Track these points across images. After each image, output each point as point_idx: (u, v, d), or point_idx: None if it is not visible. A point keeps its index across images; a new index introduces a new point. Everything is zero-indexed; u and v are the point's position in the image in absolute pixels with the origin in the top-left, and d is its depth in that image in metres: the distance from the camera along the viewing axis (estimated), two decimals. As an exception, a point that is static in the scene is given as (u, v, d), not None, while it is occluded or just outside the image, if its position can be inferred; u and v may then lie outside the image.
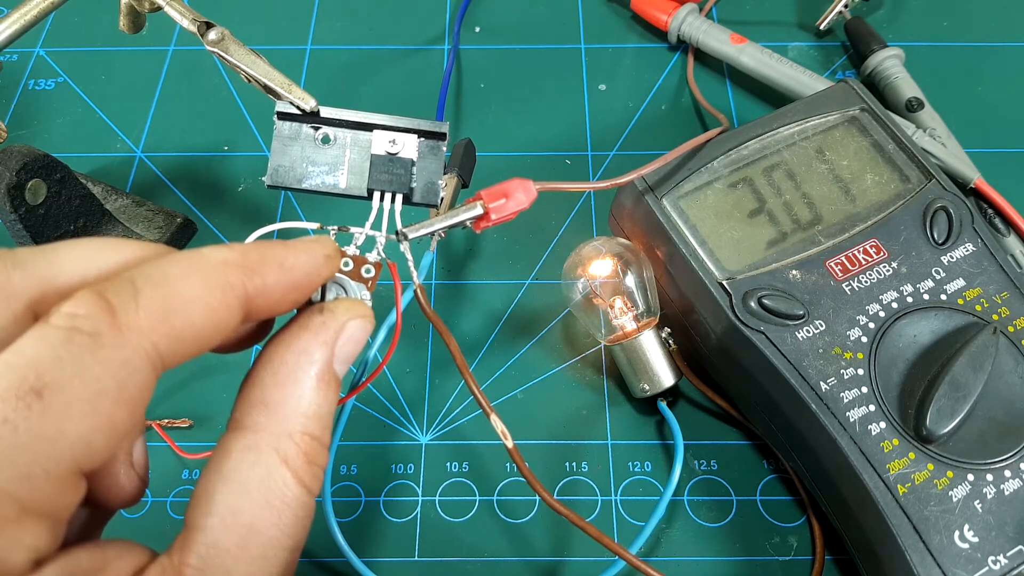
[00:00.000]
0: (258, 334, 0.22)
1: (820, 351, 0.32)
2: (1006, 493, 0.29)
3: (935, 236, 0.34)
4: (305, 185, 0.25)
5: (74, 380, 0.16)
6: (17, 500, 0.15)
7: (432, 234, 0.26)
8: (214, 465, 0.19)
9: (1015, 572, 0.29)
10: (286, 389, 0.20)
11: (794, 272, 0.33)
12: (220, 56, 0.27)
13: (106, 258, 0.19)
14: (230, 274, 0.19)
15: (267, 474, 0.19)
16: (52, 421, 0.15)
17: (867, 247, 0.33)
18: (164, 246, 0.20)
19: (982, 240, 0.34)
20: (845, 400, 0.31)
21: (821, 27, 0.49)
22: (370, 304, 0.24)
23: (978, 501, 0.29)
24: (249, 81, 0.27)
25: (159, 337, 0.17)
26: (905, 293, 0.33)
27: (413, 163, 0.25)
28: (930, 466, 0.30)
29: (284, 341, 0.20)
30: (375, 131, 0.25)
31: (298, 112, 0.25)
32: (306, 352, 0.20)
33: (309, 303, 0.22)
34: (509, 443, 0.30)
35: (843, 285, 0.33)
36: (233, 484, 0.19)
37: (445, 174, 0.26)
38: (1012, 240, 0.40)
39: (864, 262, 0.33)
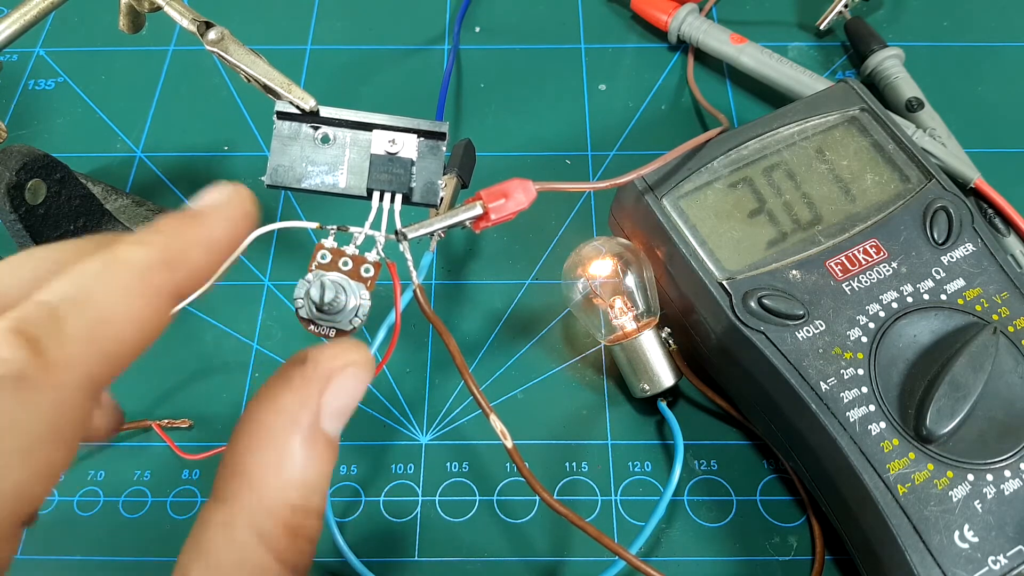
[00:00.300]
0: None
1: (820, 351, 0.32)
2: (1006, 493, 0.29)
3: (935, 236, 0.34)
4: (304, 185, 0.25)
5: (4, 433, 0.14)
6: None
7: (432, 234, 0.26)
8: (192, 539, 0.17)
9: (1015, 572, 0.29)
10: (263, 458, 0.17)
11: (794, 272, 0.33)
12: (220, 56, 0.27)
13: (17, 272, 0.17)
14: (156, 278, 0.17)
15: (243, 554, 0.17)
16: None
17: (867, 247, 0.33)
18: (71, 242, 0.18)
19: (982, 240, 0.34)
20: (845, 400, 0.31)
21: (821, 27, 0.49)
22: (369, 304, 0.24)
23: (978, 501, 0.29)
24: (249, 81, 0.27)
25: (91, 365, 0.16)
26: (905, 293, 0.33)
27: (413, 163, 0.25)
28: (930, 466, 0.30)
29: (263, 401, 0.18)
30: (375, 131, 0.25)
31: (298, 112, 0.25)
32: (286, 412, 0.18)
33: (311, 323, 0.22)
34: (509, 443, 0.30)
35: (843, 285, 0.33)
36: (207, 563, 0.17)
37: (445, 174, 0.26)
38: (1012, 240, 0.40)
39: (864, 262, 0.33)
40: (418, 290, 0.30)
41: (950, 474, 0.30)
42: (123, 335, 0.16)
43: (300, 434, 0.18)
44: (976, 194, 0.41)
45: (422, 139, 0.25)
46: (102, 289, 0.16)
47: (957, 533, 0.29)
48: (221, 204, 0.19)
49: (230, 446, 0.18)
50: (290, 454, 0.18)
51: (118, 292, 0.16)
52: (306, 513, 0.18)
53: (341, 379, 0.19)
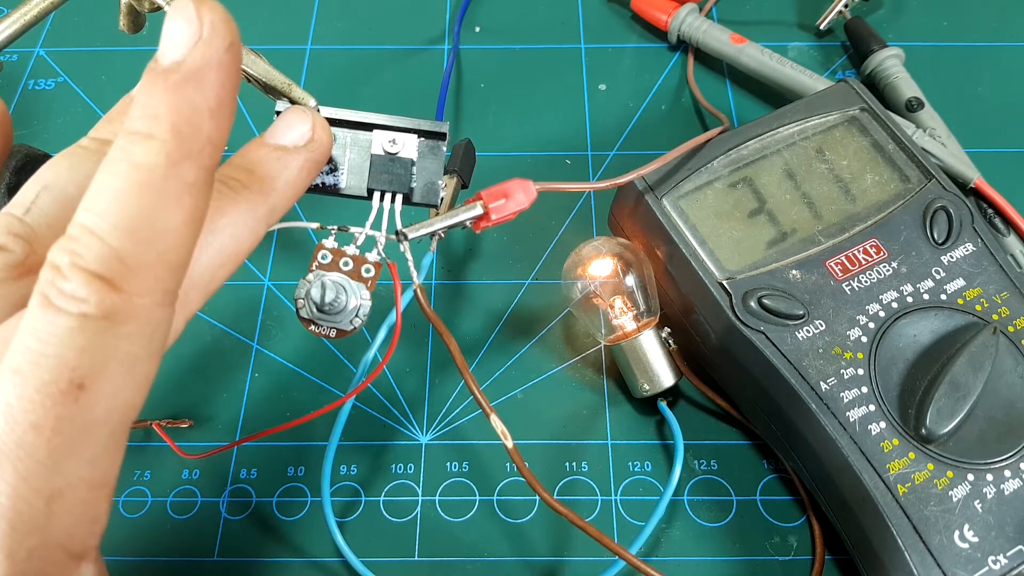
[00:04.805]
0: None
1: (820, 351, 0.32)
2: (1006, 493, 0.30)
3: (935, 236, 0.34)
4: (305, 185, 0.25)
5: (109, 363, 0.16)
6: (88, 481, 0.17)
7: (432, 234, 0.26)
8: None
9: (1015, 572, 0.29)
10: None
11: (794, 272, 0.33)
12: (220, 56, 0.27)
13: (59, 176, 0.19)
14: (184, 173, 0.16)
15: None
16: (101, 405, 0.16)
17: (867, 247, 0.33)
18: (69, 151, 0.20)
19: (982, 240, 0.34)
20: (845, 400, 0.31)
21: (821, 27, 0.49)
22: (370, 305, 0.24)
23: (978, 501, 0.29)
24: (249, 81, 0.27)
25: (163, 281, 0.17)
26: (905, 293, 0.33)
27: (413, 163, 0.25)
28: (930, 466, 0.30)
29: None
30: (375, 131, 0.25)
31: (298, 112, 0.25)
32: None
33: None
34: (509, 443, 0.30)
35: (843, 285, 0.33)
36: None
37: (445, 174, 0.26)
38: (1012, 240, 0.40)
39: (864, 262, 0.33)
40: (418, 290, 0.30)
41: (950, 474, 0.30)
42: (179, 241, 0.17)
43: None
44: (976, 194, 0.41)
45: (422, 139, 0.25)
46: (141, 208, 0.16)
47: (957, 533, 0.29)
48: (200, 49, 0.17)
49: None
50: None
51: (156, 205, 0.16)
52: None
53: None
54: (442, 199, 0.25)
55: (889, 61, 0.45)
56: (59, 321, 0.16)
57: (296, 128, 0.22)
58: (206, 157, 0.17)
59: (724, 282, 0.33)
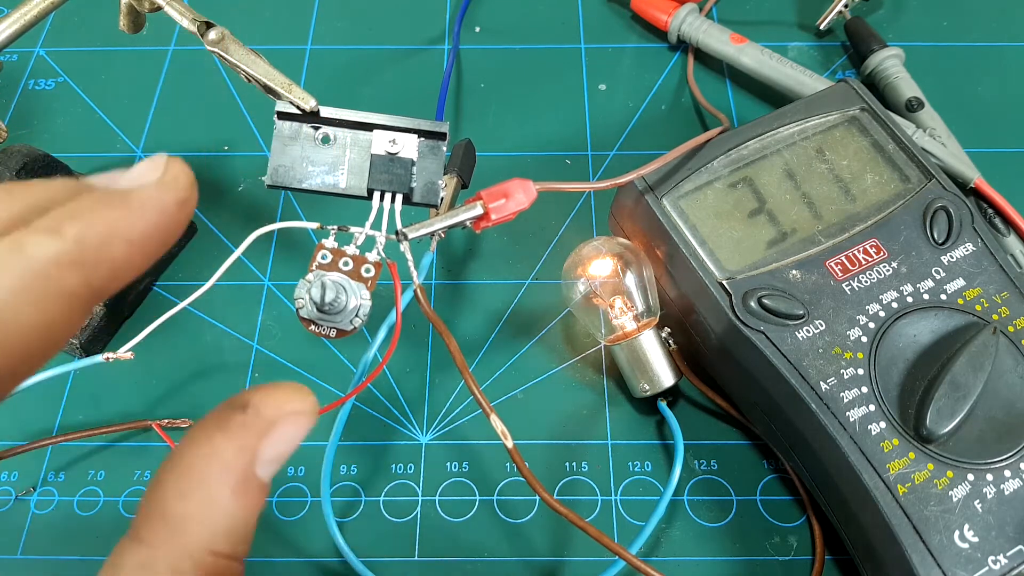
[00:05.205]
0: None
1: (820, 351, 0.32)
2: (1006, 493, 0.30)
3: (935, 236, 0.34)
4: (305, 185, 0.25)
5: None
6: None
7: (432, 234, 0.26)
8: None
9: (1015, 572, 0.29)
10: (190, 502, 0.16)
11: (794, 272, 0.33)
12: (220, 56, 0.27)
13: None
14: (65, 278, 0.15)
15: None
16: None
17: (867, 247, 0.33)
18: None
19: (982, 240, 0.34)
20: (845, 400, 0.31)
21: (821, 27, 0.49)
22: (370, 305, 0.24)
23: (978, 501, 0.29)
24: (249, 81, 0.27)
25: None
26: (905, 293, 0.33)
27: (413, 163, 0.25)
28: (930, 466, 0.30)
29: (195, 441, 0.17)
30: (375, 131, 0.25)
31: (298, 112, 0.25)
32: (218, 458, 0.16)
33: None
34: (509, 443, 0.30)
35: (843, 285, 0.33)
36: None
37: (445, 174, 0.26)
38: (1012, 240, 0.40)
39: (864, 262, 0.33)
40: (418, 290, 0.30)
41: (950, 474, 0.30)
42: (27, 344, 0.14)
43: (232, 482, 0.16)
44: (976, 194, 0.41)
45: (422, 139, 0.25)
46: (2, 290, 0.14)
47: (957, 533, 0.29)
48: (150, 185, 0.16)
49: (154, 486, 0.17)
50: (220, 502, 0.16)
51: (20, 296, 0.14)
52: (231, 558, 0.16)
53: (283, 427, 0.17)
54: (442, 199, 0.25)
55: (889, 61, 0.45)
56: None
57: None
58: (98, 275, 0.15)
59: (724, 282, 0.33)
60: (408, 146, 0.25)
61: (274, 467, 0.17)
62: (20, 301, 0.14)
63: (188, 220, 0.17)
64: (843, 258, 0.33)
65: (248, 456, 0.17)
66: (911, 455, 0.30)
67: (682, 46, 0.50)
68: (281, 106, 0.25)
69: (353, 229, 0.25)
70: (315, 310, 0.25)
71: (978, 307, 0.33)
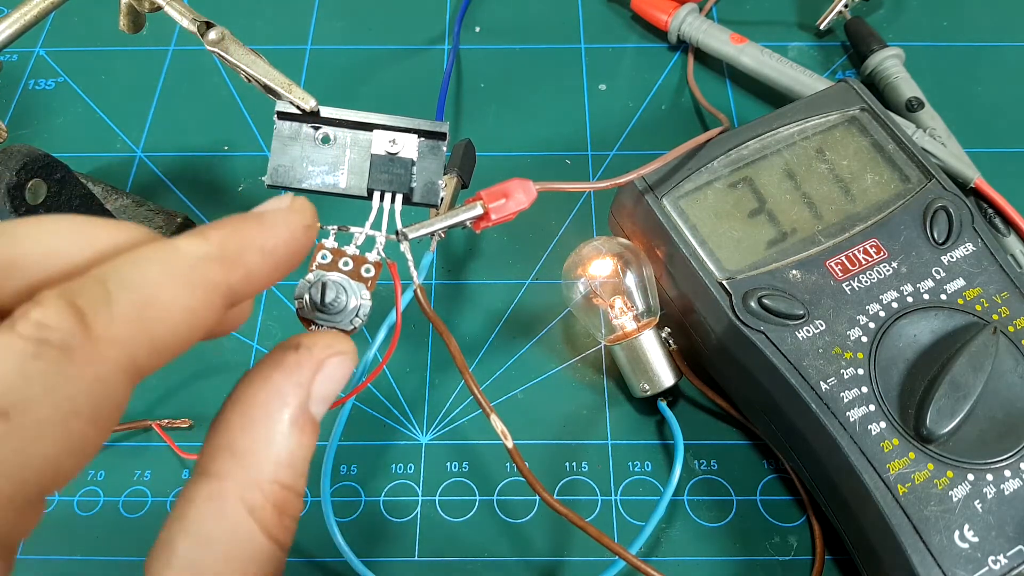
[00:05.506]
0: (239, 315, 0.21)
1: (820, 351, 0.32)
2: (1006, 493, 0.30)
3: (935, 236, 0.34)
4: (305, 185, 0.25)
5: (43, 400, 0.14)
6: None
7: (432, 234, 0.26)
8: (177, 513, 0.17)
9: (1015, 572, 0.29)
10: (255, 434, 0.18)
11: (794, 272, 0.33)
12: (220, 56, 0.27)
13: (71, 239, 0.17)
14: (211, 272, 0.17)
15: (232, 527, 0.17)
16: (18, 445, 0.14)
17: (867, 247, 0.33)
18: (132, 226, 0.18)
19: (982, 240, 0.34)
20: (845, 400, 0.31)
21: (821, 27, 0.49)
22: (370, 304, 0.24)
23: (978, 501, 0.29)
24: (249, 81, 0.27)
25: (136, 348, 0.16)
26: (905, 293, 0.33)
27: (413, 163, 0.25)
28: (930, 466, 0.30)
29: (255, 381, 0.19)
30: (375, 131, 0.25)
31: (298, 112, 0.25)
32: (278, 394, 0.19)
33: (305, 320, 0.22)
34: (509, 443, 0.30)
35: (843, 285, 0.33)
36: (195, 537, 0.17)
37: (445, 174, 0.26)
38: (1012, 240, 0.40)
39: (864, 262, 0.33)
40: (419, 290, 0.30)
41: (950, 474, 0.30)
42: (171, 324, 0.16)
43: (291, 415, 0.18)
44: (976, 194, 0.41)
45: (422, 139, 0.25)
46: (156, 274, 0.16)
47: (957, 533, 0.29)
48: (283, 211, 0.19)
49: (219, 423, 0.18)
50: (281, 433, 0.18)
51: (171, 280, 0.16)
52: (292, 492, 0.18)
53: (331, 366, 0.19)
54: (442, 199, 0.25)
55: (889, 61, 0.45)
56: (10, 343, 0.14)
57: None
58: (236, 276, 0.18)
59: (724, 282, 0.33)
60: (408, 146, 0.25)
61: (324, 407, 0.19)
62: (176, 284, 0.16)
63: (311, 245, 0.20)
64: (843, 258, 0.33)
65: (304, 392, 0.19)
66: (911, 455, 0.30)
67: (682, 46, 0.50)
68: (281, 106, 0.25)
69: (353, 229, 0.25)
70: (315, 310, 0.25)
71: (978, 307, 0.33)
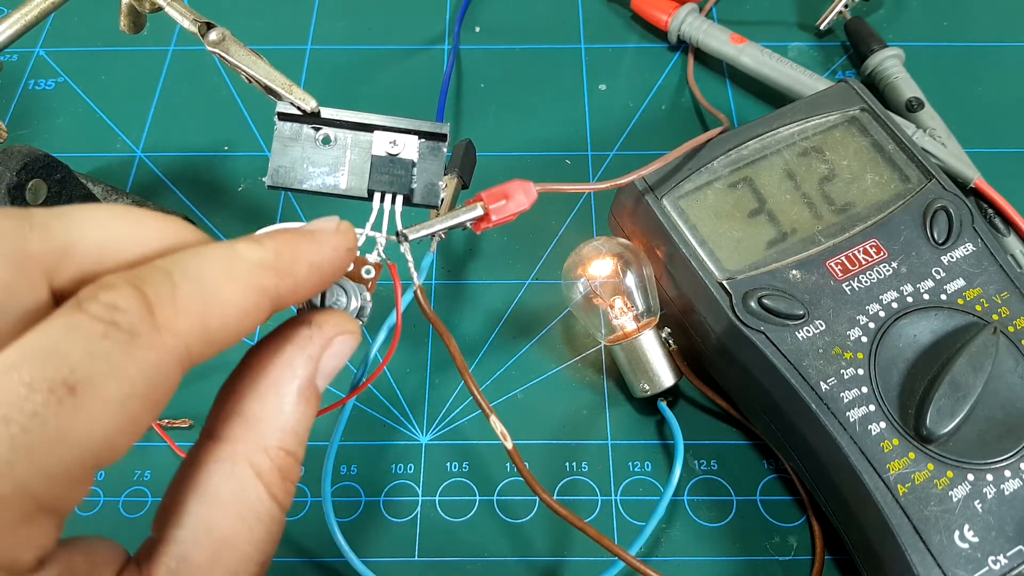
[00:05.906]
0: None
1: (820, 351, 0.32)
2: (1006, 493, 0.30)
3: (935, 236, 0.34)
4: (306, 186, 0.25)
5: (107, 379, 0.15)
6: (35, 498, 0.15)
7: (432, 235, 0.26)
8: (185, 475, 0.18)
9: (1015, 572, 0.29)
10: (266, 402, 0.19)
11: (794, 272, 0.33)
12: (220, 56, 0.27)
13: (126, 230, 0.18)
14: (265, 277, 0.18)
15: (241, 488, 0.18)
16: (82, 420, 0.15)
17: (867, 247, 0.33)
18: (180, 221, 0.19)
19: (982, 240, 0.34)
20: (845, 400, 0.31)
21: (821, 27, 0.49)
22: (370, 305, 0.24)
23: (978, 501, 0.29)
24: (249, 82, 0.27)
25: (192, 339, 0.17)
26: (905, 293, 0.33)
27: (414, 164, 0.25)
28: (930, 466, 0.30)
29: (267, 351, 0.20)
30: (376, 132, 0.25)
31: (299, 113, 0.25)
32: (289, 365, 0.20)
33: (310, 305, 0.22)
34: (509, 444, 0.30)
35: (843, 285, 0.33)
36: (206, 496, 0.18)
37: (445, 175, 0.26)
38: (1012, 240, 0.40)
39: (864, 262, 0.33)
40: (419, 291, 0.30)
41: (950, 474, 0.30)
42: (226, 321, 0.17)
43: (299, 386, 0.20)
44: (976, 194, 0.41)
45: (423, 140, 0.25)
46: (218, 272, 0.17)
47: (957, 533, 0.29)
48: (328, 229, 0.20)
49: (229, 390, 0.20)
50: (289, 403, 0.19)
51: (231, 280, 0.18)
52: (294, 458, 0.19)
53: (338, 343, 0.20)
54: (442, 200, 0.25)
55: (889, 61, 0.45)
56: (81, 322, 0.15)
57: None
58: (284, 284, 0.19)
59: (724, 282, 0.33)
60: (409, 147, 0.25)
61: (327, 381, 0.20)
62: (235, 284, 0.18)
63: (347, 267, 0.21)
64: (843, 258, 0.33)
65: (312, 366, 0.20)
66: (911, 455, 0.30)
67: (682, 46, 0.50)
68: (282, 107, 0.25)
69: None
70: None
71: (978, 307, 0.33)
